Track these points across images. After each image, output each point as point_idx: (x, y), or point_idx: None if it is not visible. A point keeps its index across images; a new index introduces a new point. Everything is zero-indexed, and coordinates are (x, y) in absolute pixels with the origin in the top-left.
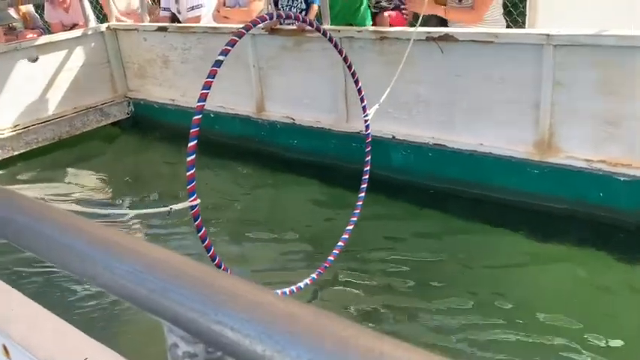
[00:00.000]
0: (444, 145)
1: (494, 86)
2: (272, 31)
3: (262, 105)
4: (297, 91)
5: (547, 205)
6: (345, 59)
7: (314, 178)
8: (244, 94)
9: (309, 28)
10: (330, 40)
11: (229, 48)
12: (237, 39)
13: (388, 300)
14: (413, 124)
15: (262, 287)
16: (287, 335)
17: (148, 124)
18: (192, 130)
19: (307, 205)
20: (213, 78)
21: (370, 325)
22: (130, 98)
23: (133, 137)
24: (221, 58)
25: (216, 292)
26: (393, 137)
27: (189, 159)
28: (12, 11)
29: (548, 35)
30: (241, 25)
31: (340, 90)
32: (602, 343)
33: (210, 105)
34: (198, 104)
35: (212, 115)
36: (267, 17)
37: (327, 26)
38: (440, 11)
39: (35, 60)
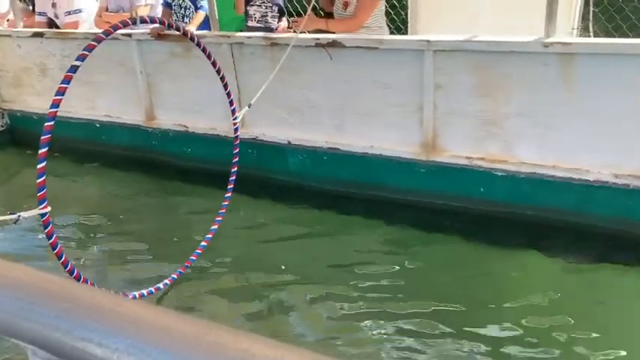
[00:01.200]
0: (337, 149)
1: (381, 90)
2: (159, 36)
3: (152, 113)
4: (189, 98)
5: (434, 202)
6: (214, 63)
7: (206, 186)
8: (132, 102)
9: (175, 32)
10: (198, 45)
11: (86, 53)
12: (95, 44)
13: (250, 301)
14: (307, 129)
15: (126, 298)
16: (158, 345)
17: (26, 137)
18: (42, 137)
19: (190, 210)
20: (68, 84)
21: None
22: (5, 109)
23: (8, 151)
24: (77, 63)
25: (77, 306)
26: (289, 142)
27: (39, 166)
28: None
29: (428, 41)
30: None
31: (234, 96)
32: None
33: (95, 115)
34: (51, 110)
35: (97, 125)
36: (130, 22)
37: (216, 32)
38: (322, 24)
39: None
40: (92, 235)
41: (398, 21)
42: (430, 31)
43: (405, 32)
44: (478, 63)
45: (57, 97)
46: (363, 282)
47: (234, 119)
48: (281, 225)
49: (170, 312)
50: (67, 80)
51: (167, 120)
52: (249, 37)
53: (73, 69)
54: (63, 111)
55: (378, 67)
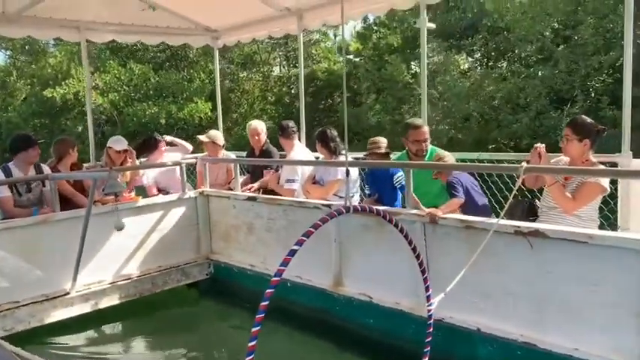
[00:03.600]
0: (535, 345)
1: (589, 288)
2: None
3: (340, 280)
4: (377, 270)
5: None
6: (414, 249)
7: None
8: (323, 266)
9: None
10: (396, 225)
11: (304, 239)
12: (313, 230)
13: None
14: (500, 317)
15: None
16: None
17: (225, 287)
18: (262, 304)
19: None
20: (293, 256)
21: None
22: (212, 260)
23: (209, 299)
24: (296, 247)
25: None
26: (479, 329)
27: (253, 330)
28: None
29: None
30: (323, 202)
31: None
32: None
33: (289, 274)
34: (273, 279)
35: (289, 285)
36: (344, 210)
37: (410, 210)
38: (552, 180)
39: (121, 229)
40: None
41: (606, 210)
42: None
43: (614, 222)
44: None
45: (281, 267)
46: None
47: (429, 305)
48: None
49: None
50: (292, 253)
51: (353, 288)
52: (444, 218)
53: (300, 244)
54: (262, 267)
55: (587, 263)
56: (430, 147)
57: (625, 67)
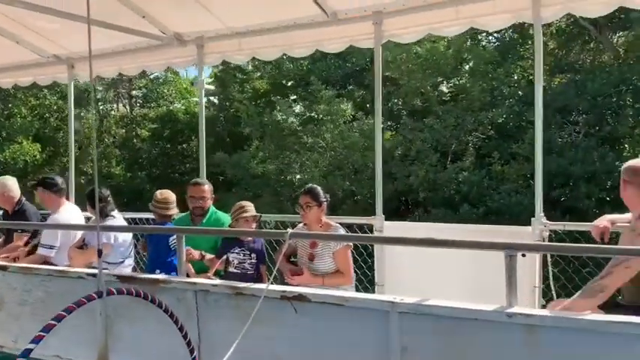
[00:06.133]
0: None
1: (346, 349)
2: (123, 279)
3: (105, 356)
4: (147, 344)
5: None
6: (181, 329)
7: None
8: (86, 343)
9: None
10: (160, 305)
11: (44, 333)
12: (57, 321)
13: None
14: None
15: None
16: None
17: None
18: None
19: None
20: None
21: None
22: None
23: None
24: (31, 347)
25: None
26: None
27: None
28: None
29: (392, 303)
30: (88, 271)
31: (194, 345)
32: None
33: (45, 354)
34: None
35: None
36: (96, 296)
37: (181, 279)
38: (319, 282)
39: None
40: None
41: (365, 267)
42: (397, 282)
43: (373, 279)
44: (442, 328)
45: (30, 345)
46: None
47: None
48: None
49: None
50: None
51: None
52: (214, 285)
53: (35, 342)
54: (14, 348)
55: (344, 325)
56: (212, 209)
57: (376, 138)
